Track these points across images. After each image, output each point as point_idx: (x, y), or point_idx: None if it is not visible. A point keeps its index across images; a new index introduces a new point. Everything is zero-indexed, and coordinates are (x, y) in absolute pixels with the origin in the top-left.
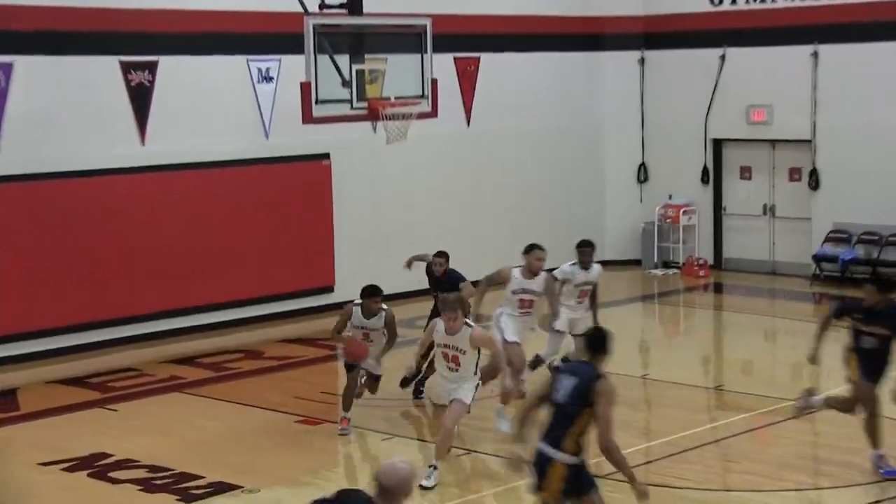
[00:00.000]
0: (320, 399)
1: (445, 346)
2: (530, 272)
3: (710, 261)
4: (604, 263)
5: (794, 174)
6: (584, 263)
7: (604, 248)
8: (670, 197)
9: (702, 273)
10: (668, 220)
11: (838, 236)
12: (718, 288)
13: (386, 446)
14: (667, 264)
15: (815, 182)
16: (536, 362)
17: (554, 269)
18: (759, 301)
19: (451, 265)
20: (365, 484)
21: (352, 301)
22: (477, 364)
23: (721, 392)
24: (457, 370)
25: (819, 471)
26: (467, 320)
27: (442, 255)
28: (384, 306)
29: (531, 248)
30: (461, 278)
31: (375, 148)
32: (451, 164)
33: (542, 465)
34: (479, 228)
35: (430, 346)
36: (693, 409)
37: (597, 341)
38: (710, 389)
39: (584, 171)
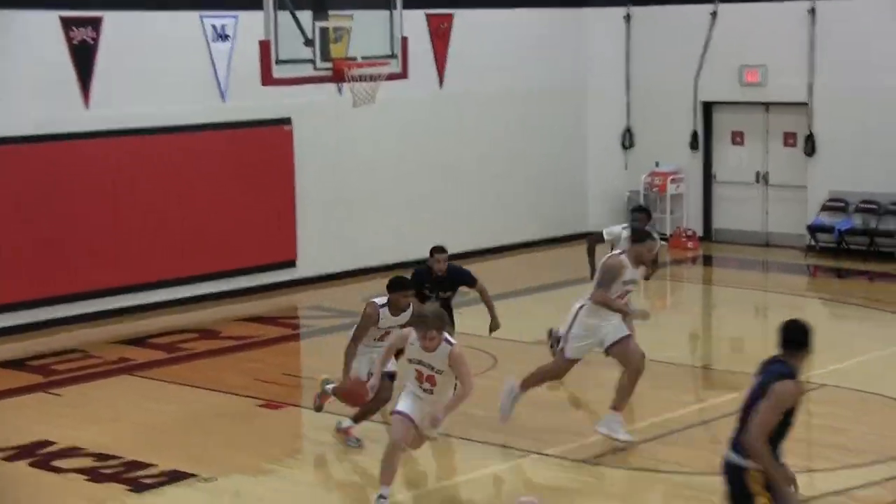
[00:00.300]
0: (282, 381)
1: (420, 363)
2: (640, 263)
3: (700, 232)
4: (586, 235)
5: (788, 139)
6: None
7: (586, 217)
8: (657, 164)
9: (690, 245)
10: (654, 189)
11: (835, 205)
12: (708, 260)
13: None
14: None
15: (811, 148)
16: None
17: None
18: (750, 274)
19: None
20: (333, 470)
21: (373, 301)
22: (455, 387)
23: (709, 371)
24: (431, 391)
25: (811, 453)
26: (447, 335)
27: (442, 250)
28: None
29: (644, 237)
30: (465, 273)
31: (341, 112)
32: (423, 130)
33: (735, 477)
34: (452, 197)
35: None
36: (680, 390)
37: (792, 334)
38: (698, 368)
39: (564, 136)
